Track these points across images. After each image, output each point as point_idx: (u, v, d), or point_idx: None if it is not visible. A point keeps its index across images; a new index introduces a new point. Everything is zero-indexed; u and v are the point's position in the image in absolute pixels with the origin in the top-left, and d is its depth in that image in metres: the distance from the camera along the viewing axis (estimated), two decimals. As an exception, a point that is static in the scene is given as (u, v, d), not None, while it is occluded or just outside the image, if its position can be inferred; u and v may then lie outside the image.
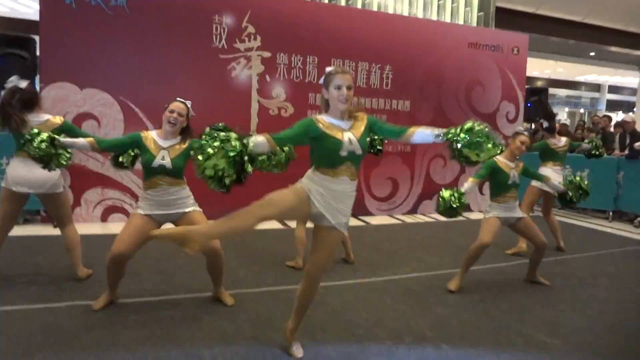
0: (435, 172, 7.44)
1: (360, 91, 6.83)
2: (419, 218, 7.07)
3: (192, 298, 3.45)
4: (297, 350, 2.71)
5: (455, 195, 3.58)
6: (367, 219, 6.77)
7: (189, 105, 3.21)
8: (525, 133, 3.99)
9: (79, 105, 5.44)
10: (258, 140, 2.27)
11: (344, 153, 2.41)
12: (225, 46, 6.08)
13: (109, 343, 2.71)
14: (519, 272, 4.45)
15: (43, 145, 3.07)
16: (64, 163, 3.23)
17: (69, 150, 3.25)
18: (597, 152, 5.60)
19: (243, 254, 4.60)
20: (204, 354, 2.64)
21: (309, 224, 2.67)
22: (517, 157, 3.99)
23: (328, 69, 2.51)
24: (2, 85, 4.84)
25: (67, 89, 5.38)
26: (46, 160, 3.13)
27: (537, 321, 3.34)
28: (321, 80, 2.52)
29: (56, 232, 5.08)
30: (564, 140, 5.46)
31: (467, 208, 7.50)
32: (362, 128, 2.50)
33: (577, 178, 4.26)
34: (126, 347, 2.67)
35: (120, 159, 3.34)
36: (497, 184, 3.93)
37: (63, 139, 3.15)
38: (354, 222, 6.50)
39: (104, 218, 5.68)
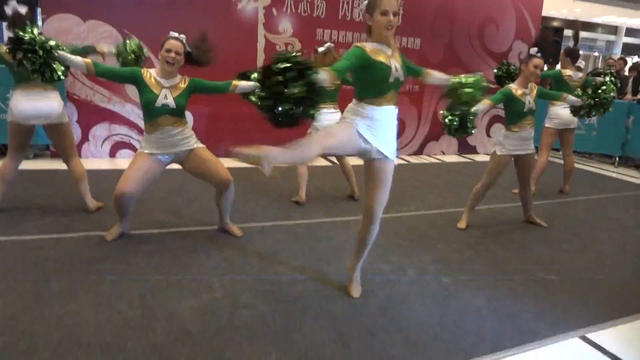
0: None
1: (370, 28, 6.62)
2: (425, 159, 7.08)
3: (201, 230, 3.55)
4: (354, 290, 2.74)
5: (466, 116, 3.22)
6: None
7: (184, 41, 3.09)
8: (539, 55, 3.68)
9: (82, 37, 5.31)
10: (322, 77, 2.10)
11: (391, 79, 2.39)
12: (231, -23, 5.85)
13: (122, 270, 2.82)
14: (519, 211, 4.50)
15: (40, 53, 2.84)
16: (59, 75, 2.98)
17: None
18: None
19: (251, 189, 4.67)
20: (213, 281, 2.75)
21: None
22: (531, 81, 3.79)
23: None
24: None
25: (69, 20, 5.24)
26: (42, 70, 2.90)
27: (536, 259, 3.43)
28: (362, 6, 2.46)
29: (66, 166, 5.16)
30: (580, 74, 5.03)
31: (474, 150, 7.64)
32: (401, 57, 2.49)
33: (600, 91, 4.03)
34: (138, 274, 2.78)
35: None
36: (513, 112, 3.79)
37: (60, 52, 2.91)
38: (359, 161, 6.51)
39: (112, 153, 5.72)
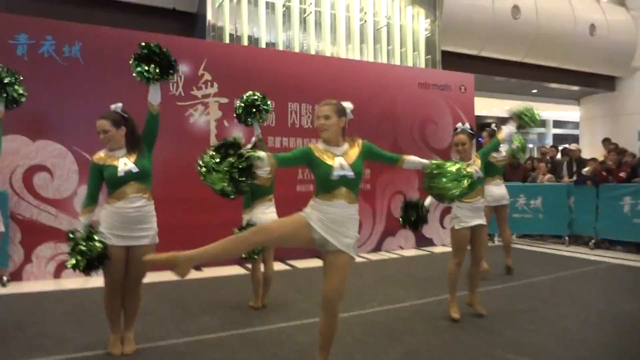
0: (396, 208, 7.50)
1: (318, 133, 6.95)
2: (384, 255, 7.07)
3: (154, 347, 3.28)
4: None
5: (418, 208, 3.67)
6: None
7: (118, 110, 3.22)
8: (460, 129, 3.97)
9: (31, 157, 5.29)
10: (262, 156, 2.42)
11: (334, 177, 2.54)
12: (183, 93, 6.12)
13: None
14: (485, 297, 4.49)
15: None
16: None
17: None
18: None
19: (206, 300, 4.45)
20: (166, 402, 2.50)
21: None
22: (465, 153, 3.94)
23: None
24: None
25: (18, 141, 5.22)
26: None
27: (505, 342, 3.35)
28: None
29: (4, 290, 4.80)
30: (503, 152, 5.42)
31: (431, 242, 7.74)
32: (357, 153, 2.64)
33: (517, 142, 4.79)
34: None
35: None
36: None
37: None
38: (318, 262, 6.43)
39: (57, 274, 5.40)
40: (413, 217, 3.68)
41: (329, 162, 2.56)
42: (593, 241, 7.32)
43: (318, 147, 2.62)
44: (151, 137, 3.28)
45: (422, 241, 7.75)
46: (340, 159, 2.57)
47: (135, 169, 3.05)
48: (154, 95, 3.27)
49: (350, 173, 2.56)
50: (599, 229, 7.21)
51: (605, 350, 3.22)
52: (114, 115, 3.17)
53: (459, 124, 4.03)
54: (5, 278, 5.01)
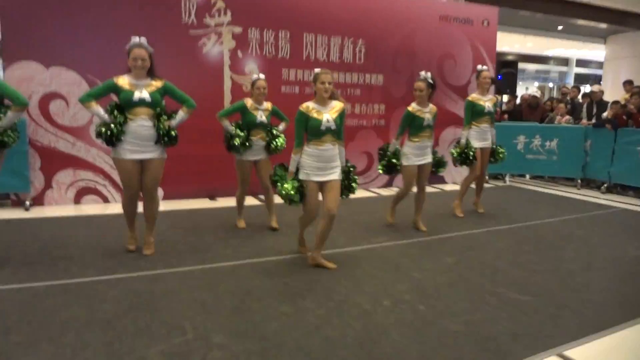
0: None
1: (334, 66, 6.80)
2: (395, 191, 7.12)
3: (171, 273, 3.45)
4: (329, 263, 3.66)
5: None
6: (344, 193, 6.81)
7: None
8: (422, 76, 4.65)
9: (45, 84, 5.28)
10: (296, 160, 3.55)
11: (323, 128, 3.46)
12: (195, 22, 5.95)
13: (88, 318, 2.69)
14: (492, 238, 4.58)
15: None
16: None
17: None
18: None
19: (221, 229, 4.60)
20: (184, 324, 2.66)
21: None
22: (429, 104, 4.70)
23: (316, 70, 3.56)
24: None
25: (32, 68, 5.20)
26: None
27: (509, 281, 3.46)
28: (311, 78, 3.60)
29: (27, 214, 5.00)
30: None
31: (442, 180, 7.77)
32: (338, 112, 3.55)
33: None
34: (105, 321, 2.66)
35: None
36: (414, 127, 4.63)
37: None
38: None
39: (77, 200, 5.57)
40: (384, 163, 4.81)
41: (318, 117, 3.46)
42: (605, 185, 7.31)
43: (309, 107, 3.51)
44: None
45: (433, 178, 7.77)
46: (327, 115, 3.48)
47: (148, 98, 3.61)
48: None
49: (333, 125, 3.49)
50: (613, 174, 7.16)
51: (607, 294, 3.32)
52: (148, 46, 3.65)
53: (422, 72, 4.73)
54: (28, 203, 5.19)
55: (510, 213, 5.68)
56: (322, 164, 3.50)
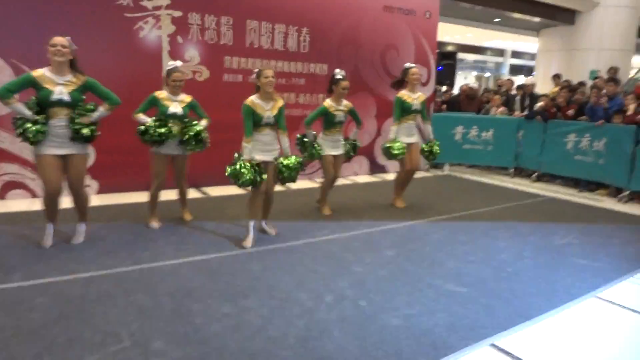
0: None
1: (278, 54, 6.71)
2: (338, 181, 7.19)
3: (105, 275, 3.30)
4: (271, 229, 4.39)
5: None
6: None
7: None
8: (342, 76, 5.04)
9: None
10: (248, 149, 3.92)
11: (264, 122, 3.94)
12: (132, 4, 5.64)
13: (14, 328, 2.53)
14: (431, 229, 4.73)
15: None
16: None
17: None
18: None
19: (162, 225, 4.45)
20: (120, 331, 2.56)
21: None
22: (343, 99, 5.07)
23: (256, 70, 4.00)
24: None
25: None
26: None
27: (446, 272, 3.59)
28: (254, 76, 4.02)
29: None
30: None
31: (383, 169, 7.93)
32: (278, 108, 4.02)
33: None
34: (33, 331, 2.52)
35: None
36: (328, 122, 5.02)
37: None
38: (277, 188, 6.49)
39: (1, 195, 5.20)
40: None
41: (261, 113, 3.92)
42: (536, 174, 7.73)
43: (254, 102, 3.92)
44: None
45: (376, 168, 7.92)
46: (268, 113, 3.96)
47: (67, 98, 3.55)
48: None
49: (272, 120, 3.99)
50: (543, 163, 7.58)
51: (535, 283, 3.52)
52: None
53: (337, 70, 5.16)
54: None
55: (448, 203, 5.88)
56: (263, 146, 3.99)
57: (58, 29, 5.22)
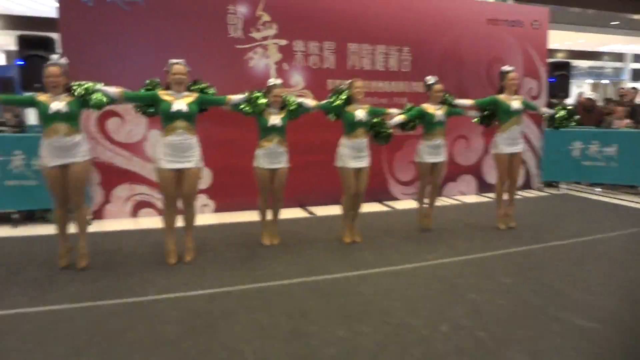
0: (459, 153, 7.36)
1: (379, 75, 6.76)
2: (444, 201, 7.01)
3: (227, 292, 3.51)
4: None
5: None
6: (392, 203, 6.76)
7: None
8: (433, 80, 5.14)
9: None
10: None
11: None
12: (242, 36, 6.05)
13: (152, 339, 2.78)
14: (551, 255, 4.42)
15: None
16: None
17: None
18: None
19: (272, 245, 4.65)
20: (244, 348, 2.70)
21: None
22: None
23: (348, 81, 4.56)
24: (30, 86, 4.99)
25: (89, 87, 5.41)
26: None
27: (573, 304, 3.31)
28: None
29: (89, 229, 5.19)
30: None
31: (493, 188, 7.52)
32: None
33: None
34: (169, 343, 2.74)
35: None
36: (426, 124, 5.04)
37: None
38: (378, 207, 6.49)
39: (133, 214, 5.78)
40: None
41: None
42: (669, 193, 6.90)
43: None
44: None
45: (484, 187, 7.59)
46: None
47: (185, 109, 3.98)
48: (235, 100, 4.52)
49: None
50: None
51: (680, 318, 3.12)
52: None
53: (428, 77, 5.24)
54: (89, 217, 5.42)
55: (567, 226, 5.45)
56: (357, 153, 4.58)
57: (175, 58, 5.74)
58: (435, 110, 5.01)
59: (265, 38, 6.18)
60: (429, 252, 4.47)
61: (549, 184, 7.98)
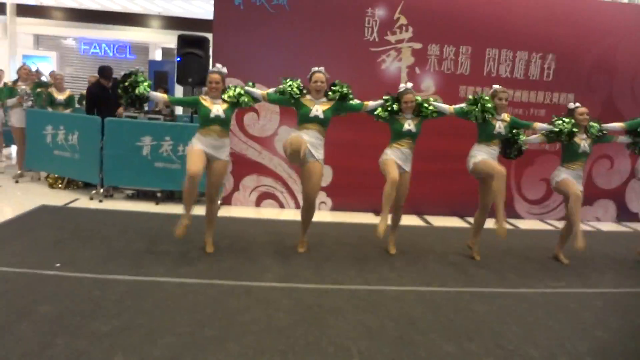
0: (599, 174, 6.67)
1: (517, 83, 6.38)
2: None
3: (338, 289, 3.61)
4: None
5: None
6: (516, 222, 6.35)
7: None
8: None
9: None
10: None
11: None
12: (377, 39, 6.12)
13: (265, 323, 2.97)
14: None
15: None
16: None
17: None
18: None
19: (383, 250, 4.66)
20: (350, 346, 2.76)
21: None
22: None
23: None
24: (184, 81, 5.59)
25: (234, 83, 5.89)
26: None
27: None
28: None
29: (218, 213, 5.65)
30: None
31: (635, 217, 6.71)
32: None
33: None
34: (280, 330, 2.90)
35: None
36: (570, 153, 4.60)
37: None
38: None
39: (258, 203, 6.19)
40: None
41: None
42: None
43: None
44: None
45: (625, 215, 6.78)
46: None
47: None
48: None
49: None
50: None
51: None
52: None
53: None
54: (219, 202, 5.93)
55: None
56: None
57: (314, 64, 5.99)
58: (581, 140, 4.54)
59: (400, 41, 6.19)
60: (554, 279, 4.14)
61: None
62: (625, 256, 4.94)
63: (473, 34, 6.23)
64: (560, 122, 4.53)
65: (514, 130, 4.57)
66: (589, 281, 4.14)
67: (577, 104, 4.67)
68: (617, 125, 4.71)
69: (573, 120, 4.53)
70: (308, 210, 4.33)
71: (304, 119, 4.19)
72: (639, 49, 6.52)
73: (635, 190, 6.75)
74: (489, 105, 4.31)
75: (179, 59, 5.97)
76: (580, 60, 6.46)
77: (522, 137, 4.64)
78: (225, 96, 4.17)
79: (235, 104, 4.21)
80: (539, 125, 4.62)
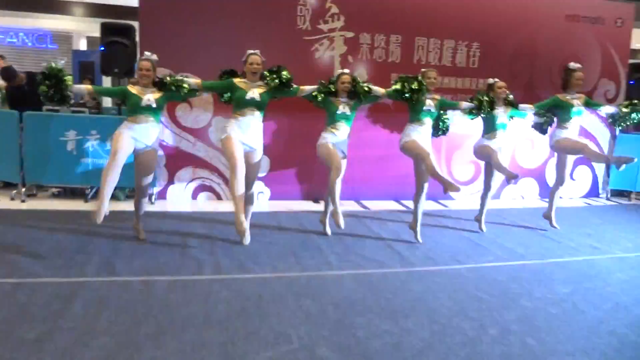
0: (522, 155, 7.10)
1: (446, 70, 6.59)
2: (503, 203, 6.79)
3: (278, 278, 3.62)
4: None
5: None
6: (449, 202, 6.63)
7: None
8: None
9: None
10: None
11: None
12: (310, 27, 6.12)
13: (204, 317, 2.93)
14: (614, 267, 4.19)
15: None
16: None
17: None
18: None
19: (324, 235, 4.72)
20: (290, 333, 2.78)
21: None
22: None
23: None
24: (109, 71, 5.33)
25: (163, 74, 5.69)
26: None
27: (634, 321, 3.15)
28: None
29: (152, 208, 5.48)
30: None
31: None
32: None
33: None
34: (219, 322, 2.87)
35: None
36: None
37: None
38: (431, 205, 6.38)
39: (194, 196, 6.05)
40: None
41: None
42: None
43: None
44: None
45: (545, 191, 7.26)
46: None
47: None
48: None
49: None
50: None
51: None
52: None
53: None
54: (153, 197, 5.75)
55: (636, 237, 5.13)
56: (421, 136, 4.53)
57: (246, 50, 5.89)
58: (500, 113, 4.96)
59: (332, 30, 6.21)
60: (482, 254, 4.37)
61: (619, 193, 7.52)
62: (545, 228, 5.30)
63: (403, 23, 6.37)
64: (480, 96, 4.87)
65: (441, 112, 4.80)
66: (514, 254, 4.41)
67: (496, 79, 5.01)
68: (528, 106, 5.23)
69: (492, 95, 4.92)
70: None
71: (239, 103, 4.13)
72: (556, 36, 6.94)
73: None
74: (420, 85, 4.50)
75: (102, 48, 5.68)
76: (503, 47, 6.79)
77: (448, 119, 4.99)
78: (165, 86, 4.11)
79: (171, 94, 4.13)
80: (464, 104, 4.89)
